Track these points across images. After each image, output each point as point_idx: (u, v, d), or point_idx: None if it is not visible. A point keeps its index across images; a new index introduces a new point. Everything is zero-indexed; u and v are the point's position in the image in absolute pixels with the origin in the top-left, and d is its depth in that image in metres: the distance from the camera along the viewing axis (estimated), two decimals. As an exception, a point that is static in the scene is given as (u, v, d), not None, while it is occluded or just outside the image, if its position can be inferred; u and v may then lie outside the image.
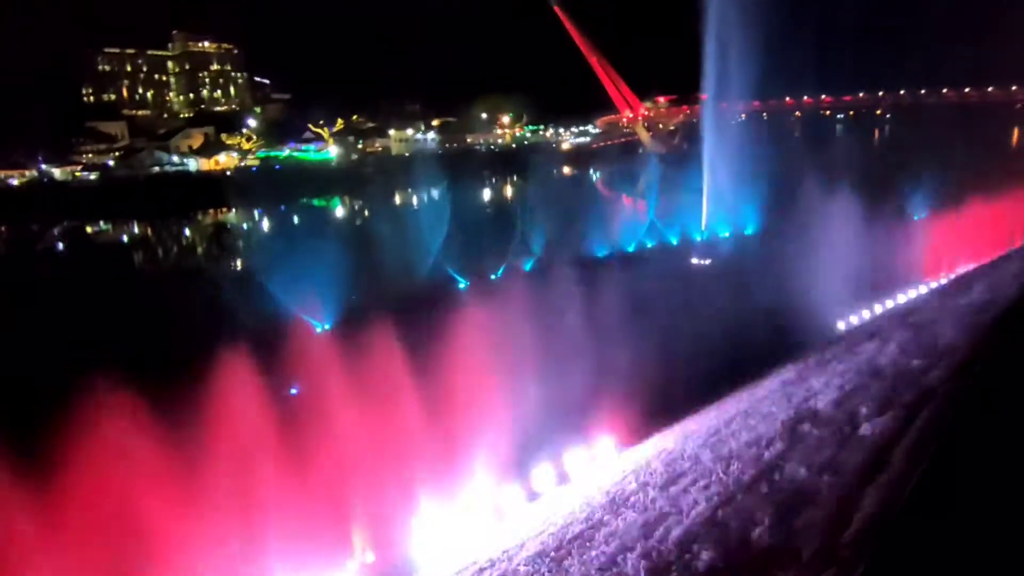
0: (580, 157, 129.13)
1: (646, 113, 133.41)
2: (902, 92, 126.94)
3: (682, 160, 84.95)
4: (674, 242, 45.31)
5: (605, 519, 9.53)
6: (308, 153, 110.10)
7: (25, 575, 10.91)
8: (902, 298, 24.22)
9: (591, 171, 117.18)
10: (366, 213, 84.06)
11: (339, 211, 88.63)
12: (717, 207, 48.61)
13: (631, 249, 43.95)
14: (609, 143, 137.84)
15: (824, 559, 5.24)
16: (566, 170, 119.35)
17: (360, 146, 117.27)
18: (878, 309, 23.86)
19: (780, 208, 44.58)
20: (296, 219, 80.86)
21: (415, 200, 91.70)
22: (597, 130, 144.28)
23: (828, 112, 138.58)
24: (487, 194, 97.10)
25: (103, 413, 11.81)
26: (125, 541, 11.04)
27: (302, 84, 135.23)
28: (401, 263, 34.30)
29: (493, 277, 33.89)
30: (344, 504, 12.94)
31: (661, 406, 15.38)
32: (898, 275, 27.51)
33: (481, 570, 10.36)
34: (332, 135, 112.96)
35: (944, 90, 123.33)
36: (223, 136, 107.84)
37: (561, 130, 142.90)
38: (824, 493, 6.68)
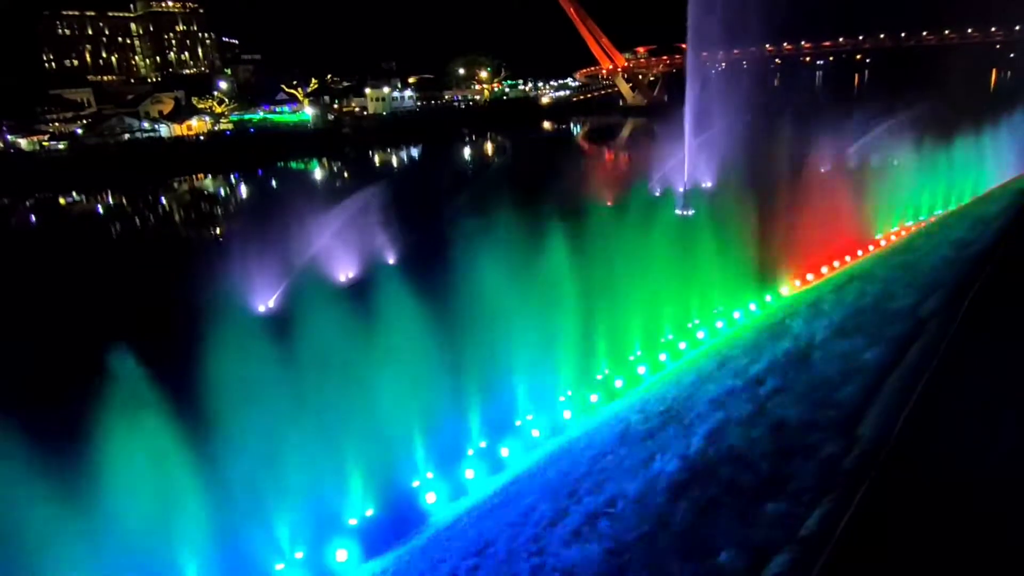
0: (560, 111, 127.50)
1: (626, 64, 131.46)
2: (882, 36, 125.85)
3: (663, 111, 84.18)
4: (657, 194, 45.19)
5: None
6: (283, 115, 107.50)
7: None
8: (885, 241, 24.52)
9: (572, 125, 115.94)
10: (346, 175, 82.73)
11: (317, 173, 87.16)
12: (699, 158, 48.45)
13: (613, 204, 43.82)
14: (590, 96, 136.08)
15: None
16: (546, 125, 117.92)
17: (336, 106, 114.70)
18: (860, 253, 24.17)
19: (760, 158, 44.58)
20: (272, 183, 79.46)
21: (395, 160, 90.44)
22: (577, 83, 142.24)
23: (808, 59, 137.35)
24: (466, 152, 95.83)
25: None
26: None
27: (273, 44, 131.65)
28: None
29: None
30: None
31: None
32: (877, 218, 27.81)
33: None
34: (306, 95, 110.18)
35: (924, 33, 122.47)
36: (194, 100, 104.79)
37: (540, 84, 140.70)
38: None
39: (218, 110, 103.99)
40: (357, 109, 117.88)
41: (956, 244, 11.01)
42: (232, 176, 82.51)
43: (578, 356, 17.04)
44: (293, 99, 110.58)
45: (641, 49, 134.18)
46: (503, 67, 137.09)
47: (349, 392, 13.80)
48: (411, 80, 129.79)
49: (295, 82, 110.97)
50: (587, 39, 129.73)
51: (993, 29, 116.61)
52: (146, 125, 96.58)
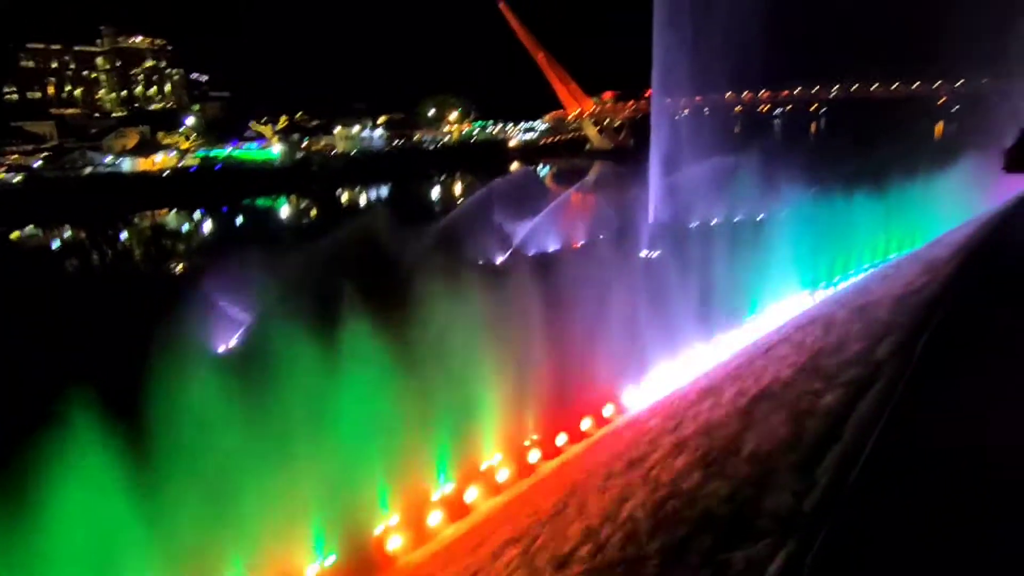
0: (529, 153, 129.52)
1: (593, 109, 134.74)
2: (835, 87, 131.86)
3: (630, 154, 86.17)
4: (623, 235, 45.92)
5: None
6: (250, 152, 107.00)
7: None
8: (844, 283, 25.21)
9: (540, 167, 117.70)
10: (313, 213, 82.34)
11: (284, 211, 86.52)
12: (664, 200, 49.55)
13: (581, 243, 44.40)
14: (557, 139, 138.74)
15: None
16: (515, 166, 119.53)
17: (305, 144, 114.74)
18: (820, 295, 24.76)
19: (725, 200, 45.87)
20: (237, 220, 78.55)
21: (362, 199, 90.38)
22: (545, 126, 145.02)
23: (767, 107, 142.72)
24: (434, 192, 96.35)
25: None
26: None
27: (243, 81, 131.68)
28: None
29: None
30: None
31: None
32: (836, 261, 28.66)
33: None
34: (275, 133, 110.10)
35: (875, 86, 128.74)
36: (159, 135, 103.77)
37: (509, 126, 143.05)
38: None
39: (184, 146, 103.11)
40: (326, 147, 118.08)
41: (909, 288, 11.32)
42: (196, 212, 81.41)
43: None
44: (261, 136, 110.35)
45: (607, 94, 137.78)
46: (473, 109, 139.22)
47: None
48: (381, 120, 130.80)
49: (264, 119, 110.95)
50: (555, 84, 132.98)
51: (936, 84, 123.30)
52: (108, 159, 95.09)
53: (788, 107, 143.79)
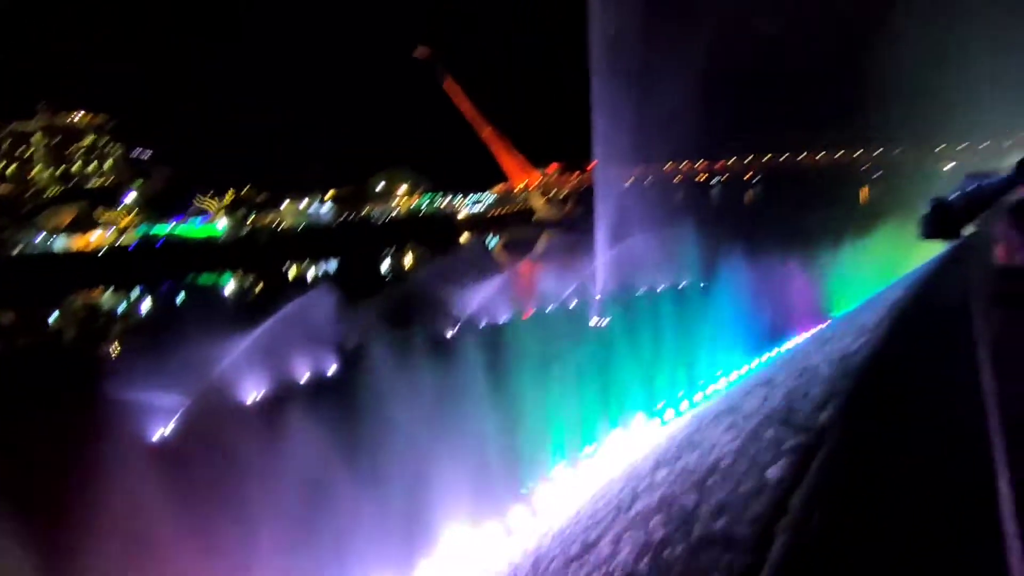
0: (478, 224, 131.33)
1: (540, 181, 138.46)
2: (767, 157, 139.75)
3: (576, 224, 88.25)
4: (572, 305, 46.36)
5: None
6: (194, 227, 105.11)
7: None
8: (784, 346, 25.74)
9: (489, 238, 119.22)
10: (258, 290, 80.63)
11: (228, 288, 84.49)
12: (610, 269, 50.47)
13: (530, 315, 44.50)
14: (505, 210, 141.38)
15: None
16: (464, 238, 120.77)
17: (252, 219, 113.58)
18: (764, 358, 25.16)
19: (669, 267, 47.02)
20: (177, 298, 76.20)
21: (310, 274, 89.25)
22: (493, 198, 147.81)
23: (705, 176, 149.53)
24: (383, 265, 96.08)
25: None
26: None
27: (189, 155, 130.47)
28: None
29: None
30: None
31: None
32: (777, 324, 29.39)
33: None
34: (221, 208, 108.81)
35: (802, 155, 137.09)
36: (97, 212, 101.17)
37: (458, 198, 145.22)
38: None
39: (123, 223, 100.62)
40: (274, 222, 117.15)
41: (846, 351, 11.52)
42: (134, 291, 78.67)
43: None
44: (206, 211, 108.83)
45: (553, 167, 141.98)
46: (422, 182, 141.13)
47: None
48: (330, 194, 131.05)
49: (210, 193, 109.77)
50: (501, 157, 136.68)
51: (858, 153, 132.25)
52: (40, 239, 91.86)
53: (725, 176, 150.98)
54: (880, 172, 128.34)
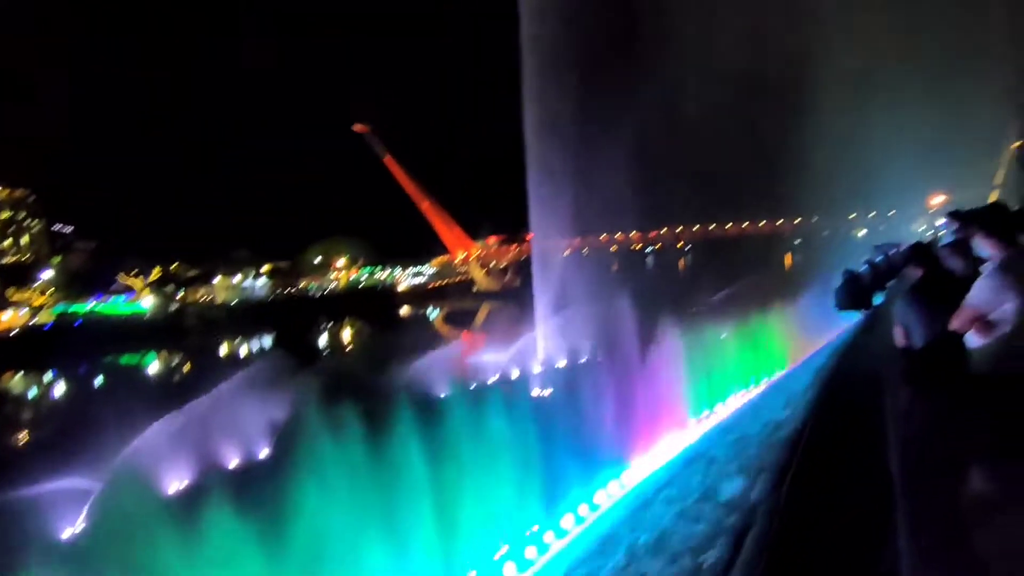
0: (418, 297, 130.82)
1: (479, 252, 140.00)
2: (696, 227, 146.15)
3: (516, 295, 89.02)
4: (514, 375, 46.07)
5: None
6: (117, 305, 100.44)
7: None
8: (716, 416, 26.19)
9: (430, 310, 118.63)
10: (185, 370, 77.01)
11: (152, 368, 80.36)
12: (550, 339, 50.71)
13: (472, 386, 43.90)
14: (445, 282, 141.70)
15: None
16: (404, 311, 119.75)
17: (181, 296, 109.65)
18: (700, 426, 25.42)
19: (609, 337, 47.47)
20: (95, 381, 71.84)
21: (243, 351, 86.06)
22: (433, 270, 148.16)
23: (640, 245, 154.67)
24: (320, 340, 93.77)
25: None
26: None
27: (113, 229, 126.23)
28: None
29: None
30: None
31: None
32: (713, 391, 29.90)
33: None
34: (147, 285, 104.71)
35: (729, 224, 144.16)
36: (9, 291, 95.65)
37: (398, 271, 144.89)
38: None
39: (38, 301, 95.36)
40: (205, 298, 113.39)
41: (774, 422, 11.72)
42: (48, 374, 73.75)
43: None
44: (131, 289, 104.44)
45: (492, 238, 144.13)
46: (361, 255, 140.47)
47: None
48: (265, 268, 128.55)
49: (135, 270, 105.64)
50: (440, 230, 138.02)
51: (780, 221, 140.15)
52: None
53: (658, 245, 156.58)
54: (800, 240, 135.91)
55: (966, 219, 7.52)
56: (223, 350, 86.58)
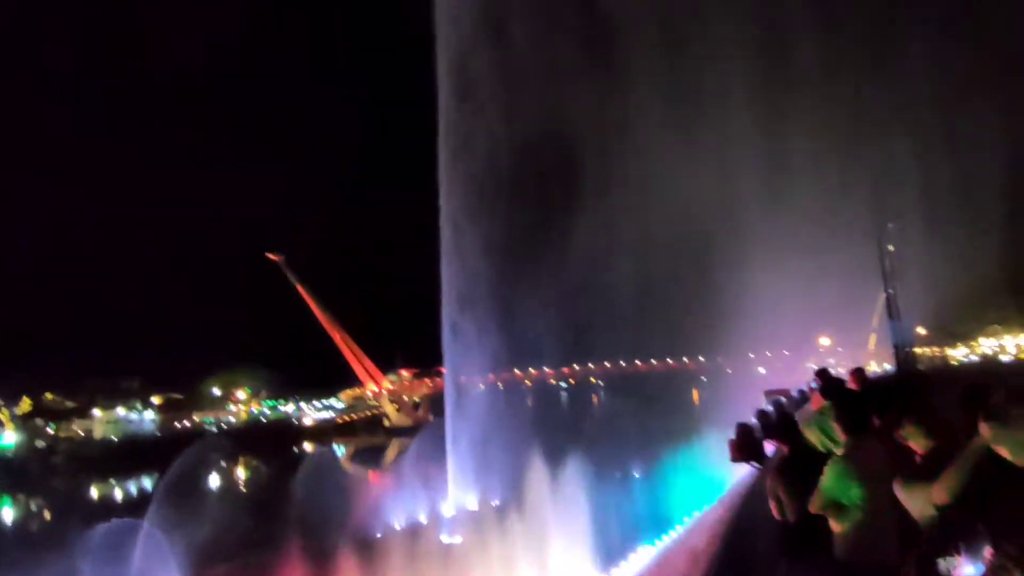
0: (324, 432, 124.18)
1: (391, 387, 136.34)
2: (607, 363, 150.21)
3: (427, 430, 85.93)
4: (423, 519, 43.32)
5: None
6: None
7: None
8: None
9: (336, 446, 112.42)
10: (46, 516, 67.81)
11: (5, 514, 70.28)
12: (464, 478, 48.60)
13: (377, 533, 40.77)
14: (355, 417, 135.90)
15: None
16: (308, 447, 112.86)
17: (53, 430, 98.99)
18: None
19: (524, 476, 45.99)
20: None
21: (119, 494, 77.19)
22: (343, 404, 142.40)
23: (552, 380, 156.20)
24: (214, 480, 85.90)
25: None
26: None
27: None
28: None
29: None
30: None
31: None
32: (625, 538, 28.92)
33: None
34: (13, 419, 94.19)
35: (637, 362, 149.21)
36: None
37: (304, 404, 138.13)
38: None
39: None
40: (81, 433, 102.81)
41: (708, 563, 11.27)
42: None
43: None
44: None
45: (405, 371, 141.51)
46: (264, 387, 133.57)
47: None
48: (156, 400, 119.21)
49: (0, 402, 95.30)
50: (351, 362, 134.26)
51: (685, 360, 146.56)
52: None
53: (571, 380, 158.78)
54: (705, 378, 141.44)
55: (824, 392, 7.99)
56: (94, 493, 77.36)
